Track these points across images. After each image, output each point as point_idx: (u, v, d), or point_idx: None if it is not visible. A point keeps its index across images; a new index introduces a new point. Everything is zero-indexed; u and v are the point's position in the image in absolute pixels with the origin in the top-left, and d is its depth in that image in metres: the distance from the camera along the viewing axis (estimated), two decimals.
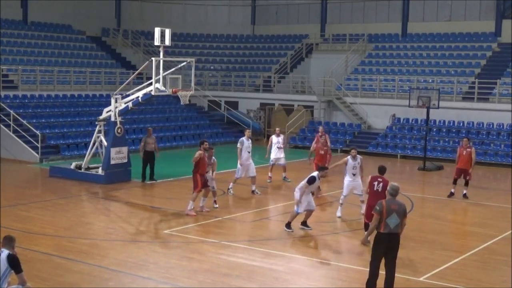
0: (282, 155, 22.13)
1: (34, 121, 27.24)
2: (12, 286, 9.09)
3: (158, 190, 20.73)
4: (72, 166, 22.02)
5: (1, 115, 26.66)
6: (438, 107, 27.24)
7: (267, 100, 36.84)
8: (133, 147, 26.48)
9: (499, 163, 27.78)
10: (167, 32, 20.11)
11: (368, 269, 10.83)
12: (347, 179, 16.74)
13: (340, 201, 16.92)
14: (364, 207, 15.70)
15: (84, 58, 35.80)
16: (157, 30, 20.15)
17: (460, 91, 32.50)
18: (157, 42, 20.14)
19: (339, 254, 14.01)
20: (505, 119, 29.59)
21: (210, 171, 17.22)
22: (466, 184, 20.04)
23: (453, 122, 30.82)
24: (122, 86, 22.18)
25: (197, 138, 30.49)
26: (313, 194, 16.58)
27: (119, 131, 21.31)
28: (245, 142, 19.79)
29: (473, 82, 32.18)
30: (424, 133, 27.75)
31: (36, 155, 25.47)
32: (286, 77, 38.16)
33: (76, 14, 38.73)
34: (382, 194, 13.29)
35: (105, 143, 21.53)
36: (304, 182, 15.01)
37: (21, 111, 27.62)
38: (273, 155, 22.08)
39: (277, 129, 23.16)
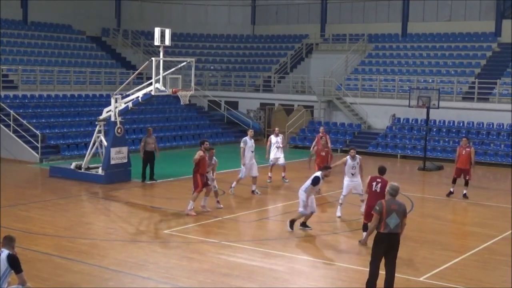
0: (281, 155, 22.13)
1: (34, 121, 27.24)
2: (12, 286, 9.09)
3: (158, 190, 20.73)
4: (72, 166, 22.02)
5: (1, 115, 26.66)
6: (438, 107, 27.24)
7: (267, 100, 36.85)
8: (133, 147, 26.48)
9: (499, 163, 27.78)
10: (167, 32, 20.11)
11: (368, 269, 10.83)
12: (346, 179, 16.77)
13: (340, 201, 16.93)
14: (364, 206, 15.70)
15: (84, 58, 35.80)
16: (157, 30, 20.16)
17: (460, 91, 32.50)
18: (157, 42, 20.14)
19: (339, 254, 14.00)
20: (505, 119, 29.59)
21: (211, 172, 17.23)
22: (466, 184, 20.04)
23: (453, 122, 30.82)
24: (122, 86, 22.18)
25: (197, 138, 30.50)
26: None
27: (119, 131, 21.31)
28: (248, 142, 19.79)
29: (473, 82, 32.19)
30: (424, 133, 27.75)
31: (36, 155, 25.47)
32: (286, 77, 38.17)
33: (76, 14, 38.73)
34: (380, 194, 13.27)
35: (105, 143, 21.53)
36: (308, 184, 15.00)
37: (21, 111, 27.62)
38: (272, 155, 22.08)
39: (276, 129, 23.17)
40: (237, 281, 11.67)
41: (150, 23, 37.65)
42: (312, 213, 15.24)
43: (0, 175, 21.57)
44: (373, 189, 13.83)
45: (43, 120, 27.76)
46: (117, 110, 21.08)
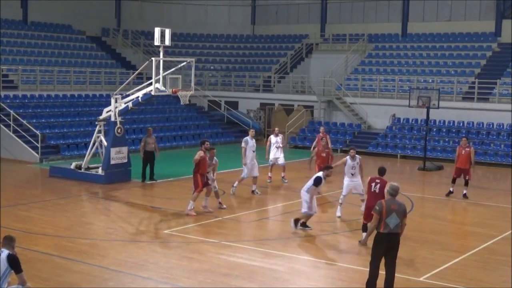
0: (281, 154, 22.12)
1: (34, 121, 27.24)
2: (12, 286, 9.09)
3: (158, 190, 20.73)
4: (72, 166, 22.02)
5: (1, 115, 26.66)
6: (438, 107, 27.24)
7: (267, 100, 36.85)
8: (133, 147, 26.48)
9: (499, 163, 27.78)
10: (167, 32, 20.11)
11: (368, 269, 10.83)
12: (346, 179, 16.78)
13: (340, 201, 16.93)
14: (364, 206, 15.70)
15: (84, 58, 35.80)
16: (157, 30, 20.15)
17: (460, 91, 32.50)
18: (157, 42, 20.13)
19: (339, 254, 14.00)
20: (505, 119, 29.59)
21: (211, 172, 17.22)
22: (466, 184, 20.04)
23: (453, 122, 30.82)
24: (122, 86, 22.18)
25: (197, 138, 30.51)
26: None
27: (119, 131, 21.31)
28: (250, 142, 19.79)
29: (473, 82, 32.19)
30: (424, 133, 27.75)
31: (36, 155, 25.47)
32: (286, 77, 38.17)
33: (76, 14, 38.73)
34: (379, 195, 13.25)
35: (105, 143, 21.53)
36: (311, 184, 14.97)
37: (21, 111, 27.62)
38: (272, 155, 22.07)
39: (275, 129, 23.18)
40: (237, 281, 11.67)
41: (150, 23, 37.65)
42: (314, 213, 15.25)
43: (0, 175, 21.58)
44: (372, 190, 13.83)
45: (43, 120, 27.76)
46: (117, 110, 21.07)
